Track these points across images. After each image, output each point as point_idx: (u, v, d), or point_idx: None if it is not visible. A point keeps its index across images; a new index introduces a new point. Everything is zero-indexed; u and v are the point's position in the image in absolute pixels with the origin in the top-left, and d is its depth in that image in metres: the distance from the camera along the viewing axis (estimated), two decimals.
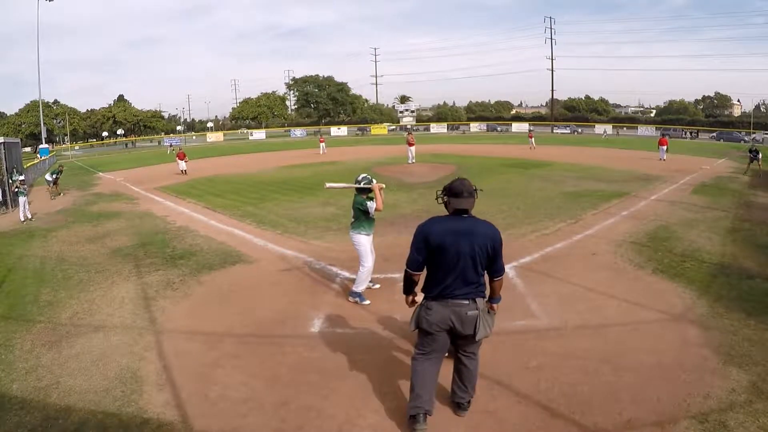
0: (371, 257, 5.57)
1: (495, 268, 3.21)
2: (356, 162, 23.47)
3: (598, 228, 9.05)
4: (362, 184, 5.45)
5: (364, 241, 5.54)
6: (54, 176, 16.95)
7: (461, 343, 3.33)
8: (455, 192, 3.20)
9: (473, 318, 3.15)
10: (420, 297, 3.37)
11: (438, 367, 3.39)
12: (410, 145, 21.61)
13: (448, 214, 3.26)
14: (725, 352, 4.25)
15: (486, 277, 3.28)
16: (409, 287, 3.37)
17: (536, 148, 29.18)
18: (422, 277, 3.34)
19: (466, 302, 3.16)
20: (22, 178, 13.26)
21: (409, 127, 61.59)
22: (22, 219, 11.83)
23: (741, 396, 3.59)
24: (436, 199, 3.38)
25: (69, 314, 5.59)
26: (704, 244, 7.81)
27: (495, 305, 3.36)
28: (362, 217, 5.48)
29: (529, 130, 37.89)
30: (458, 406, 3.52)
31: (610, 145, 34.48)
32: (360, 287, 5.57)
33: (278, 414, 3.58)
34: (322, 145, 31.15)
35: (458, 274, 3.12)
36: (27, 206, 12.14)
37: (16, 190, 12.49)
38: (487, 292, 3.34)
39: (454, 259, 3.10)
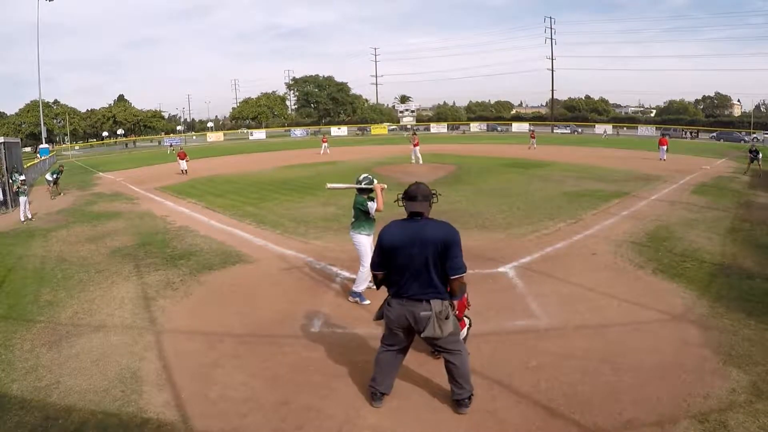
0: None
1: (450, 265, 3.24)
2: (356, 162, 23.48)
3: (598, 228, 9.05)
4: (363, 184, 5.46)
5: (364, 241, 5.54)
6: (54, 176, 16.96)
7: (429, 341, 3.46)
8: (410, 196, 3.38)
9: (425, 318, 3.27)
10: None
11: (399, 359, 3.63)
12: (415, 145, 21.42)
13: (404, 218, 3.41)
14: (725, 352, 4.25)
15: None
16: (377, 284, 3.56)
17: (536, 148, 28.84)
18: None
19: (420, 303, 3.29)
20: (23, 178, 13.29)
21: (410, 127, 61.57)
22: (23, 219, 11.84)
23: (741, 396, 3.59)
24: (395, 202, 3.55)
25: (69, 314, 5.59)
26: (704, 244, 7.81)
27: (456, 302, 3.48)
28: (362, 217, 5.51)
29: (531, 130, 37.17)
30: (458, 403, 3.53)
31: (610, 145, 34.48)
32: (360, 287, 5.57)
33: (278, 414, 3.58)
34: (324, 145, 30.33)
35: (411, 275, 3.27)
36: (27, 206, 12.15)
37: (18, 189, 12.50)
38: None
39: (405, 260, 3.26)
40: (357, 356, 4.39)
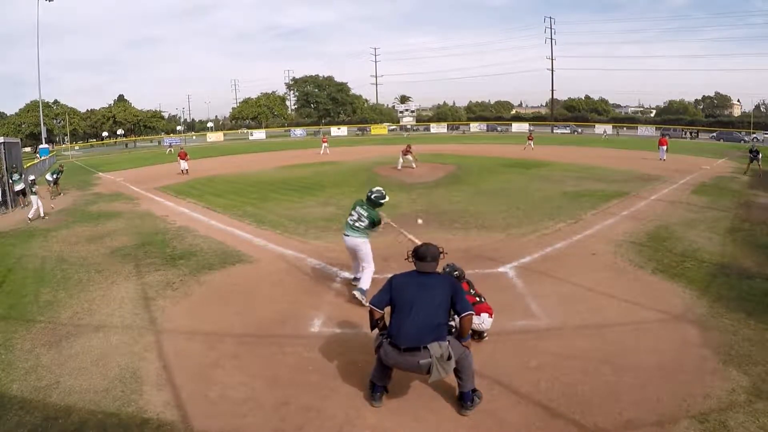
0: None
1: (460, 307, 3.50)
2: (356, 162, 23.48)
3: (598, 228, 9.05)
4: (374, 196, 5.87)
5: (369, 246, 5.88)
6: (54, 176, 16.97)
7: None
8: (420, 256, 3.63)
9: (426, 365, 3.39)
10: None
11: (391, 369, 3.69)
12: (404, 153, 20.02)
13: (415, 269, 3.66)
14: (725, 352, 4.25)
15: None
16: (372, 324, 3.69)
17: (534, 149, 27.57)
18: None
19: (419, 352, 3.38)
20: (32, 178, 13.43)
21: (409, 127, 61.42)
22: (37, 216, 11.89)
23: (741, 396, 3.59)
24: (406, 259, 3.78)
25: (69, 314, 5.59)
26: (704, 244, 7.81)
27: (469, 342, 3.66)
28: (370, 227, 5.83)
29: (530, 131, 36.58)
30: (461, 396, 3.58)
31: (609, 145, 34.48)
32: (367, 285, 5.69)
33: (278, 414, 3.58)
34: (324, 145, 30.13)
35: (412, 320, 3.41)
36: (41, 204, 12.22)
37: (30, 189, 12.64)
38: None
39: (410, 307, 3.44)
40: (357, 356, 4.39)
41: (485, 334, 4.61)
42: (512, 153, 26.91)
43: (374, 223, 5.80)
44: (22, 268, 7.61)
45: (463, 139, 45.99)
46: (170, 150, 40.32)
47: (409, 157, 20.11)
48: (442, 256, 3.72)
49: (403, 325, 3.42)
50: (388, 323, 3.60)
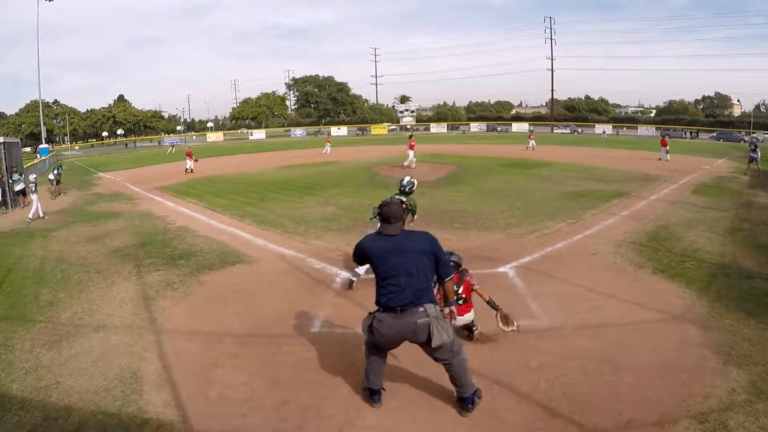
0: None
1: (443, 271, 3.48)
2: (356, 162, 23.47)
3: (598, 228, 9.05)
4: (407, 187, 6.39)
5: None
6: (57, 173, 17.10)
7: (426, 351, 3.46)
8: (384, 218, 3.44)
9: (425, 325, 3.27)
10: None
11: (384, 357, 3.64)
12: (411, 148, 20.51)
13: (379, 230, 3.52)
14: (725, 352, 4.25)
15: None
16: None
17: (535, 148, 27.71)
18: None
19: (416, 311, 3.29)
20: (34, 177, 13.47)
21: (409, 127, 61.41)
22: (36, 216, 11.94)
23: (741, 396, 3.59)
24: (370, 219, 3.70)
25: (69, 314, 5.59)
26: (704, 244, 7.81)
27: (453, 308, 3.66)
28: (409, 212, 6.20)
29: (530, 131, 36.31)
30: (462, 401, 3.52)
31: (609, 145, 34.47)
32: None
33: (278, 414, 3.58)
34: (328, 145, 30.73)
35: (401, 283, 3.29)
36: (39, 204, 12.26)
37: (31, 189, 12.67)
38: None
39: (394, 268, 3.31)
40: (357, 356, 4.37)
41: (475, 328, 4.61)
42: (512, 153, 26.90)
43: (412, 209, 6.23)
44: (22, 268, 7.61)
45: (463, 139, 45.98)
46: (171, 150, 40.24)
47: (412, 153, 20.06)
48: (407, 211, 3.75)
49: (396, 290, 3.29)
50: (376, 293, 3.44)
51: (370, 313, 3.52)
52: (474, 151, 29.42)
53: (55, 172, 17.34)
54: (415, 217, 6.23)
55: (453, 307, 3.66)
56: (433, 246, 3.42)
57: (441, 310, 3.51)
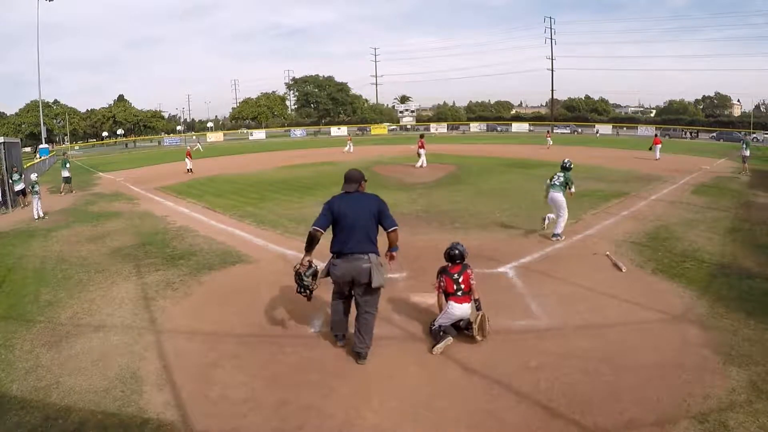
0: None
1: (387, 223, 4.23)
2: (356, 162, 23.45)
3: (598, 228, 9.05)
4: (567, 165, 8.52)
5: (565, 200, 8.20)
6: (68, 167, 17.89)
7: (363, 299, 4.25)
8: (346, 179, 4.39)
9: (367, 270, 4.11)
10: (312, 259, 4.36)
11: (347, 305, 4.49)
12: (420, 147, 20.40)
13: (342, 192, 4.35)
14: (725, 352, 4.25)
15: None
16: (310, 244, 4.29)
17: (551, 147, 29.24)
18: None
19: (362, 257, 4.14)
20: (35, 177, 13.53)
21: (409, 127, 61.32)
22: (36, 216, 12.10)
23: (741, 396, 3.59)
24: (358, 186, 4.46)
25: (69, 314, 5.59)
26: (704, 244, 7.81)
27: (394, 253, 4.34)
28: (565, 185, 8.27)
29: (548, 131, 39.77)
30: (357, 355, 4.26)
31: (607, 145, 34.45)
32: (560, 229, 8.15)
33: (278, 414, 3.58)
34: (350, 143, 32.54)
35: (353, 235, 4.15)
36: (39, 204, 12.33)
37: (31, 190, 12.74)
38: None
39: (349, 223, 4.17)
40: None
41: (473, 325, 4.61)
42: (512, 153, 26.91)
43: (568, 182, 8.25)
44: (22, 268, 7.61)
45: (463, 139, 45.97)
46: (198, 147, 40.78)
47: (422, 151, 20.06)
48: (365, 180, 4.44)
49: (349, 239, 4.15)
50: (331, 243, 4.26)
51: (328, 263, 4.33)
52: (474, 151, 29.36)
53: (68, 165, 18.16)
54: (572, 189, 8.39)
55: (395, 253, 4.33)
56: (380, 206, 4.25)
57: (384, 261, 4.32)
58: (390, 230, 4.23)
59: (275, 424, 3.47)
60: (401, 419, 3.47)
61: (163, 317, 5.43)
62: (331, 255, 4.28)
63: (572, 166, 8.50)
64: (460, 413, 3.54)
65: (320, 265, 4.50)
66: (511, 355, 4.35)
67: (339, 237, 4.22)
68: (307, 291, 4.32)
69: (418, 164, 19.85)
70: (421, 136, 21.38)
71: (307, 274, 4.28)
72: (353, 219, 4.14)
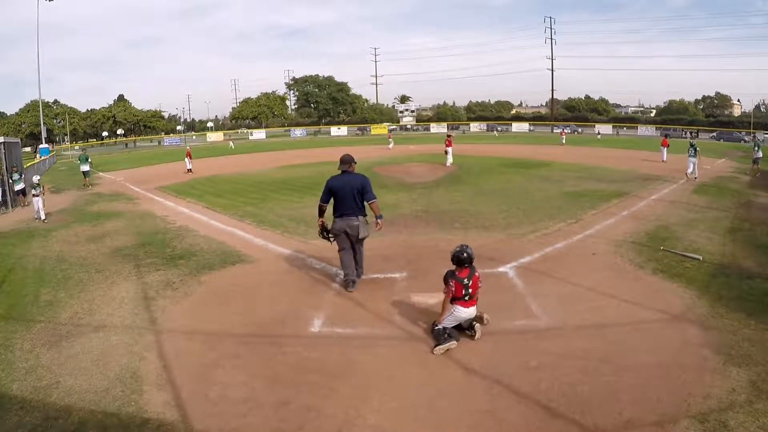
0: None
1: (367, 197, 5.90)
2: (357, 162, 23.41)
3: (598, 228, 9.05)
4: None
5: None
6: (89, 162, 18.93)
7: (353, 241, 5.99)
8: (342, 161, 6.12)
9: (356, 226, 5.89)
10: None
11: (351, 255, 6.04)
12: (448, 145, 20.81)
13: (340, 172, 6.08)
14: (725, 352, 4.25)
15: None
16: (320, 213, 6.20)
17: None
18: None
19: (352, 217, 5.89)
20: (38, 178, 13.50)
21: (412, 128, 61.20)
22: (38, 217, 11.97)
23: (741, 396, 3.59)
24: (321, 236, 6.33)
25: (69, 314, 5.59)
26: (704, 244, 7.81)
27: (380, 221, 5.91)
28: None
29: (562, 129, 41.90)
30: (353, 283, 5.95)
31: (610, 145, 34.45)
32: None
33: (278, 414, 3.58)
34: (391, 141, 34.61)
35: (346, 203, 5.89)
36: (41, 206, 12.19)
37: (33, 191, 12.62)
38: None
39: (342, 195, 5.90)
40: (357, 356, 4.39)
41: (476, 324, 4.66)
42: (512, 153, 26.90)
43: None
44: (22, 268, 7.61)
45: (463, 139, 45.96)
46: (231, 145, 43.41)
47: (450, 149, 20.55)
48: (355, 162, 6.11)
49: (342, 205, 5.90)
50: (333, 210, 6.01)
51: (331, 228, 6.05)
52: (474, 150, 29.33)
53: (88, 159, 19.14)
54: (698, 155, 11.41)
55: (380, 220, 5.89)
56: (363, 183, 5.93)
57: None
58: (369, 202, 5.90)
59: (275, 424, 3.47)
60: (401, 419, 3.47)
61: (163, 317, 5.43)
62: (333, 216, 6.01)
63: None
64: (461, 413, 3.54)
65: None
66: (511, 355, 4.35)
67: (336, 204, 5.97)
68: (328, 237, 6.15)
69: (448, 163, 20.34)
70: (449, 136, 22.41)
71: (323, 229, 6.20)
72: (344, 192, 5.88)
